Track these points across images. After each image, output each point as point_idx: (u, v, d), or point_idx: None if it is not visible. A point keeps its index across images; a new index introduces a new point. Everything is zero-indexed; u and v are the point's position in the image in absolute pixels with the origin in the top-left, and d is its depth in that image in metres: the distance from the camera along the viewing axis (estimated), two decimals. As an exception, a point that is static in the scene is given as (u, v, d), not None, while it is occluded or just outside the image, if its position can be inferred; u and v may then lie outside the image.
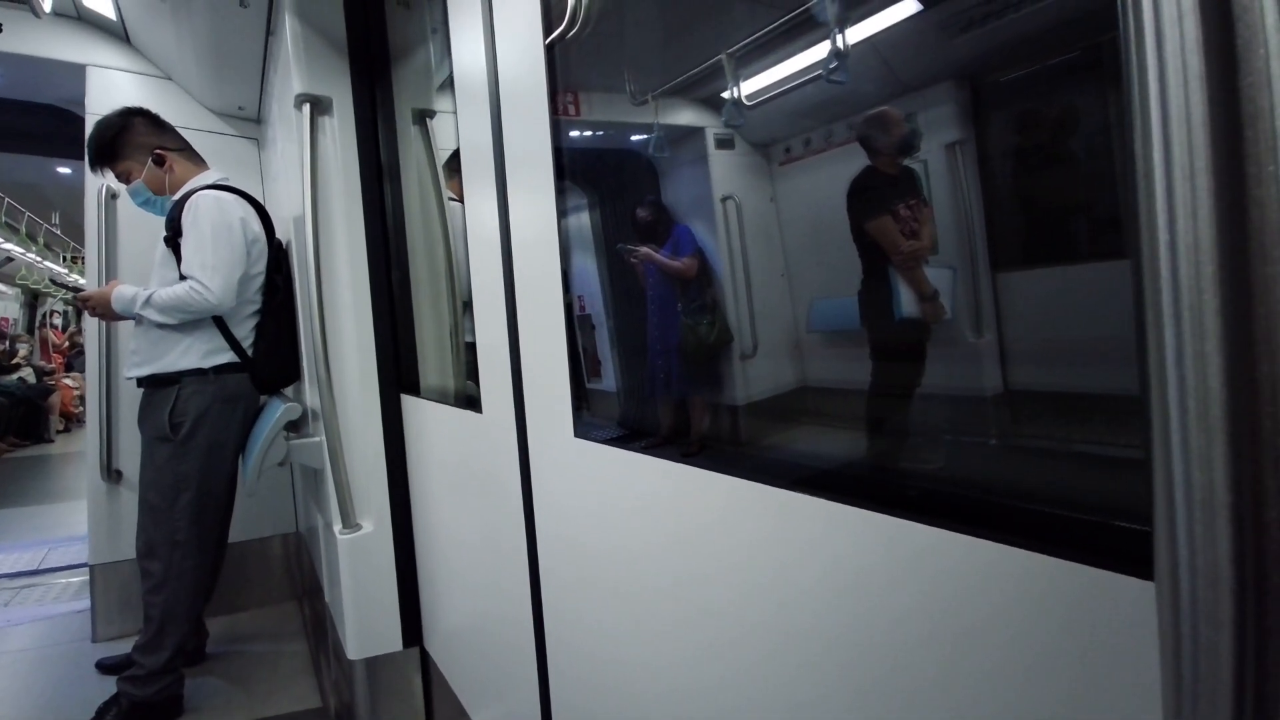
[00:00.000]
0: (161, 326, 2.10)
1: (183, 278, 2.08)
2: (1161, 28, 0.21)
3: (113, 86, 2.80)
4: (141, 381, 2.17)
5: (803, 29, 0.92)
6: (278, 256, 2.30)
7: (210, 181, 2.26)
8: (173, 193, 2.27)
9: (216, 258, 2.06)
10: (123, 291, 2.12)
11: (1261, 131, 0.20)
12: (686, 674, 0.85)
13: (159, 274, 2.18)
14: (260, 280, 2.24)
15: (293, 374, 2.35)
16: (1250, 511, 0.21)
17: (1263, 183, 0.20)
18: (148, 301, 2.06)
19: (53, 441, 8.61)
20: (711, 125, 1.15)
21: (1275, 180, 0.20)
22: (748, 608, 0.73)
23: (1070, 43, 0.68)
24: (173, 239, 2.13)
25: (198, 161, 2.37)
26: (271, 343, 2.27)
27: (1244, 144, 0.20)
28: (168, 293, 2.05)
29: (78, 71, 2.79)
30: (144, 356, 2.14)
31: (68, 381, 9.73)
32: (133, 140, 2.24)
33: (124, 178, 2.29)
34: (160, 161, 2.25)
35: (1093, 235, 0.71)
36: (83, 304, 2.26)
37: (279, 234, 2.34)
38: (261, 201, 2.33)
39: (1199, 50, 0.21)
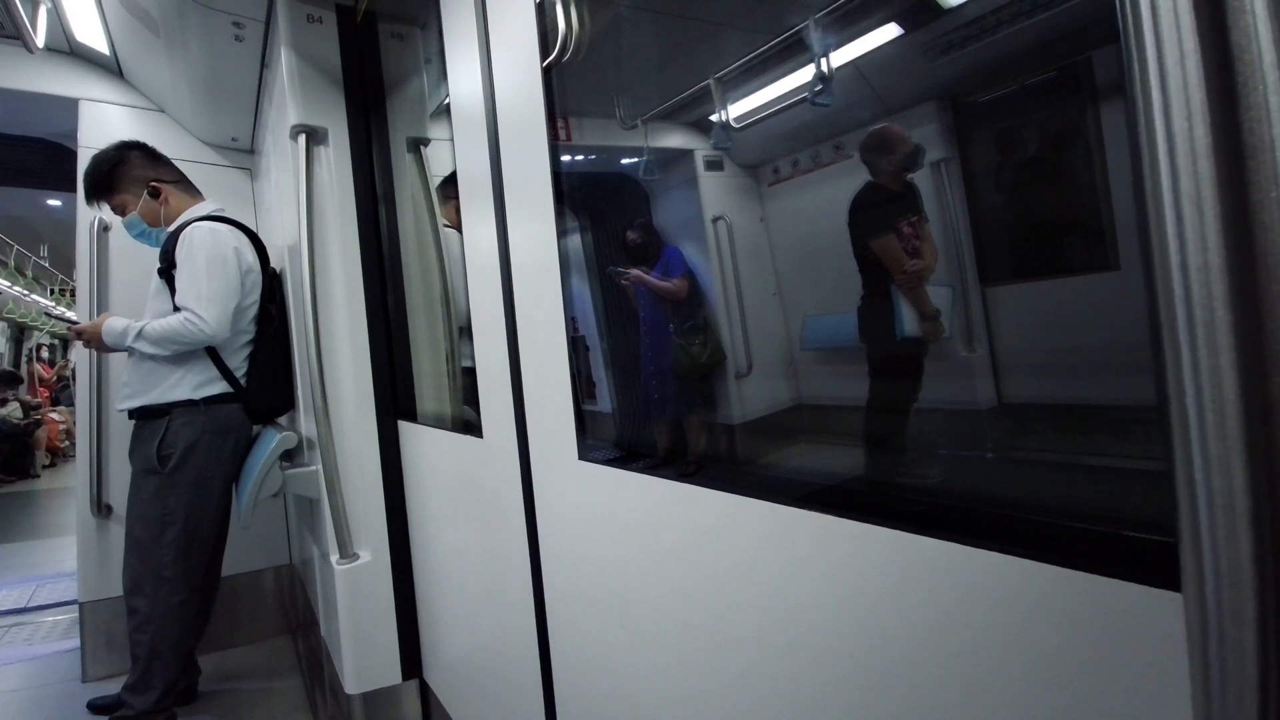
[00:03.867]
0: (154, 358, 2.08)
1: (177, 309, 2.07)
2: (1165, 67, 0.23)
3: (105, 120, 2.82)
4: (132, 413, 2.15)
5: (788, 54, 0.95)
6: (271, 286, 2.31)
7: (205, 213, 2.26)
8: (168, 224, 2.27)
9: (211, 289, 2.05)
10: (114, 324, 2.11)
11: (1263, 161, 0.22)
12: (697, 698, 0.84)
13: (152, 306, 2.18)
14: (254, 310, 2.23)
15: (287, 403, 2.33)
16: (1269, 515, 0.22)
17: (1266, 208, 0.22)
18: (140, 334, 2.05)
19: (38, 477, 8.47)
20: (701, 148, 1.18)
21: (1278, 205, 0.21)
22: (754, 623, 0.73)
23: (1049, 62, 0.71)
24: (166, 270, 2.12)
25: (193, 193, 2.37)
26: (265, 372, 2.26)
27: (1247, 173, 0.22)
28: (161, 324, 2.04)
29: (70, 105, 2.80)
30: (135, 388, 2.12)
31: (54, 416, 9.60)
32: (129, 173, 2.25)
33: (119, 210, 2.30)
34: (155, 194, 2.26)
35: (1075, 248, 0.73)
36: (76, 336, 2.24)
37: (273, 263, 2.34)
38: (255, 231, 2.33)
39: (1201, 87, 0.22)
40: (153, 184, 2.26)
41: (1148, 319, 0.26)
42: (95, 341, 2.16)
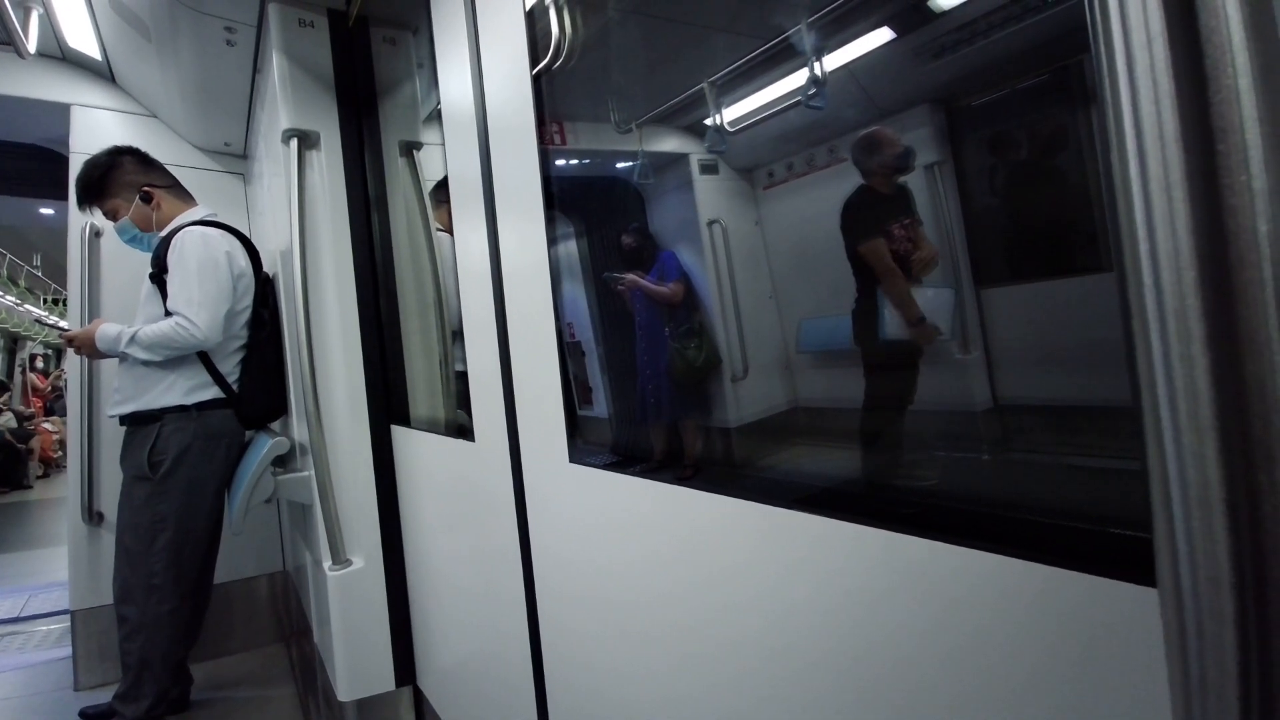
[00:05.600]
0: (146, 364, 2.07)
1: (168, 313, 2.06)
2: (1132, 51, 0.23)
3: (97, 126, 2.81)
4: (124, 420, 2.13)
5: (782, 58, 0.95)
6: (264, 290, 2.30)
7: (198, 218, 2.26)
8: (159, 229, 2.26)
9: (203, 293, 2.04)
10: (106, 330, 2.10)
11: (1233, 145, 0.21)
12: (693, 702, 0.83)
13: (144, 311, 2.16)
14: (247, 315, 2.22)
15: (279, 408, 2.32)
16: (1245, 507, 0.22)
17: (1236, 192, 0.21)
18: (133, 339, 2.04)
19: (30, 488, 8.42)
20: (696, 152, 1.18)
21: (1248, 189, 0.21)
22: (747, 625, 0.73)
23: (1039, 66, 0.71)
24: (158, 275, 2.12)
25: (185, 198, 2.37)
26: (257, 377, 2.24)
27: (1216, 156, 0.21)
28: (153, 329, 2.03)
29: (62, 111, 2.79)
30: (126, 394, 2.11)
31: (47, 426, 9.55)
32: (121, 178, 2.25)
33: (111, 215, 2.29)
34: (148, 199, 2.26)
35: (1069, 250, 0.73)
36: (68, 343, 2.23)
37: (266, 268, 2.33)
38: (248, 236, 2.33)
39: (1169, 71, 0.22)
40: (145, 189, 2.26)
41: (1119, 309, 0.25)
42: (88, 348, 2.14)
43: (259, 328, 2.25)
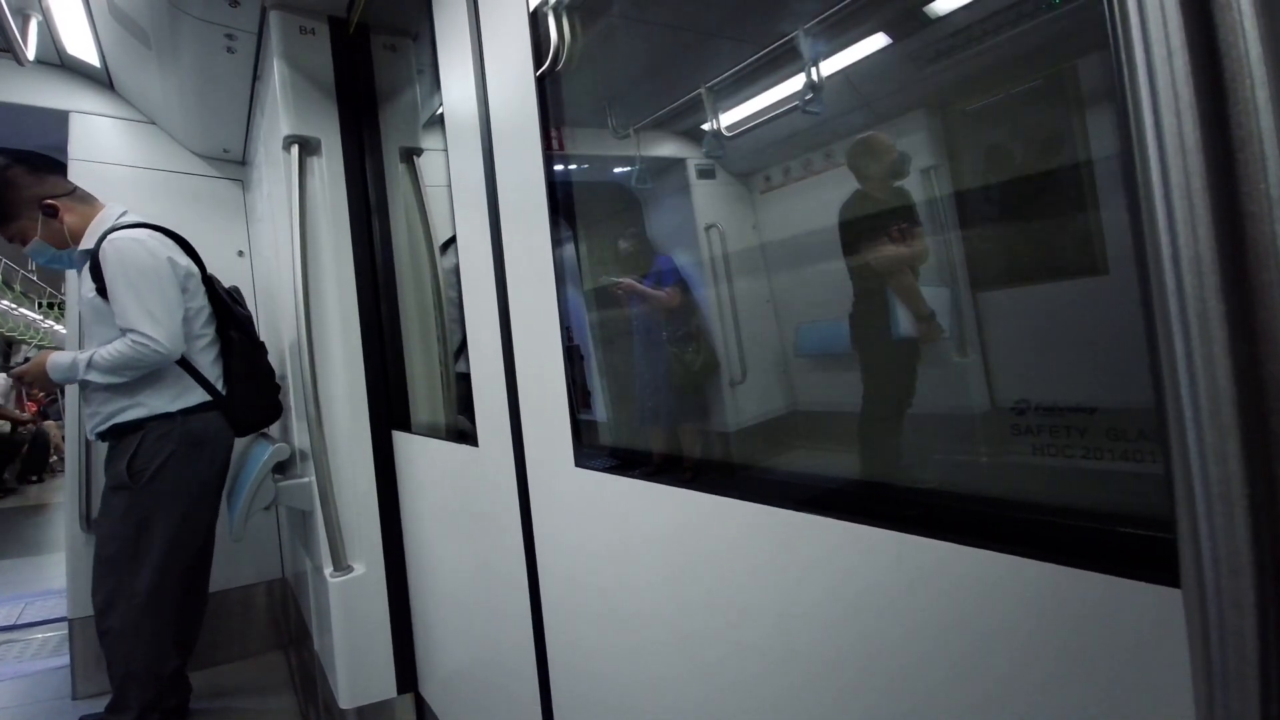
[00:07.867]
0: (110, 387, 1.97)
1: (122, 331, 1.93)
2: (1153, 64, 0.24)
3: (95, 132, 2.80)
4: (105, 435, 2.04)
5: (779, 63, 0.96)
6: (231, 293, 2.23)
7: (115, 220, 2.08)
8: (76, 242, 2.07)
9: (154, 305, 1.92)
10: (58, 359, 1.98)
11: (1251, 154, 0.22)
12: (701, 708, 0.84)
13: (95, 333, 2.00)
14: (206, 313, 2.12)
15: (273, 413, 2.28)
16: (1265, 502, 0.23)
17: (1255, 199, 0.22)
18: (90, 364, 1.92)
19: (17, 491, 8.38)
20: (693, 156, 1.19)
21: (1266, 197, 0.22)
22: (757, 630, 0.73)
23: (1037, 70, 0.72)
24: (101, 290, 1.95)
25: (90, 201, 2.16)
26: (245, 380, 2.18)
27: (1235, 165, 0.23)
28: (110, 352, 1.90)
29: (60, 118, 2.78)
30: (103, 415, 2.01)
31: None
32: (17, 196, 2.02)
33: (19, 240, 2.06)
34: (52, 212, 2.04)
35: (1066, 253, 0.74)
36: (17, 379, 2.10)
37: (265, 275, 2.32)
38: (176, 232, 2.17)
39: (1189, 83, 0.23)
40: (45, 203, 2.03)
41: (1141, 312, 0.26)
42: (40, 381, 2.03)
43: (235, 327, 2.17)
